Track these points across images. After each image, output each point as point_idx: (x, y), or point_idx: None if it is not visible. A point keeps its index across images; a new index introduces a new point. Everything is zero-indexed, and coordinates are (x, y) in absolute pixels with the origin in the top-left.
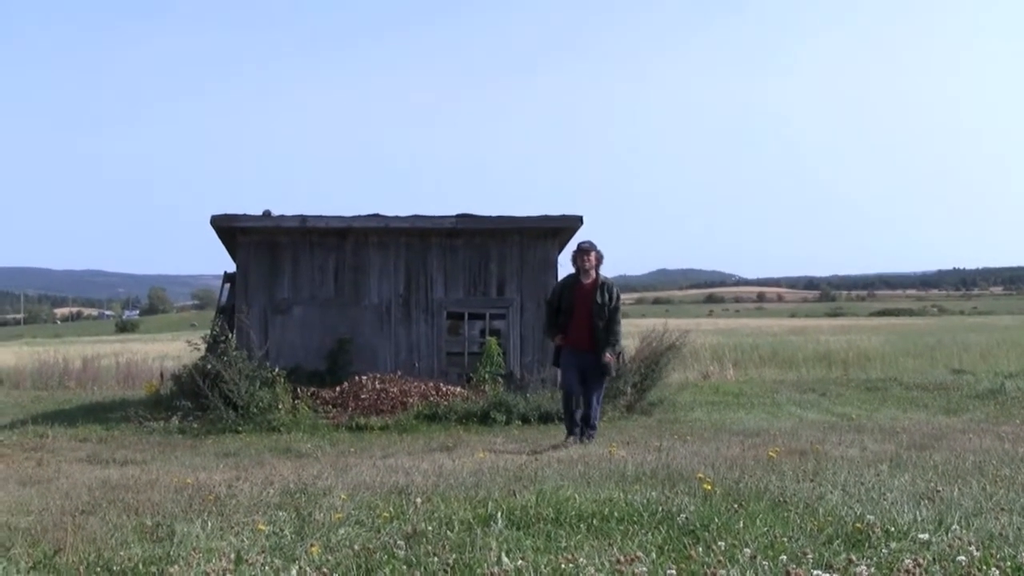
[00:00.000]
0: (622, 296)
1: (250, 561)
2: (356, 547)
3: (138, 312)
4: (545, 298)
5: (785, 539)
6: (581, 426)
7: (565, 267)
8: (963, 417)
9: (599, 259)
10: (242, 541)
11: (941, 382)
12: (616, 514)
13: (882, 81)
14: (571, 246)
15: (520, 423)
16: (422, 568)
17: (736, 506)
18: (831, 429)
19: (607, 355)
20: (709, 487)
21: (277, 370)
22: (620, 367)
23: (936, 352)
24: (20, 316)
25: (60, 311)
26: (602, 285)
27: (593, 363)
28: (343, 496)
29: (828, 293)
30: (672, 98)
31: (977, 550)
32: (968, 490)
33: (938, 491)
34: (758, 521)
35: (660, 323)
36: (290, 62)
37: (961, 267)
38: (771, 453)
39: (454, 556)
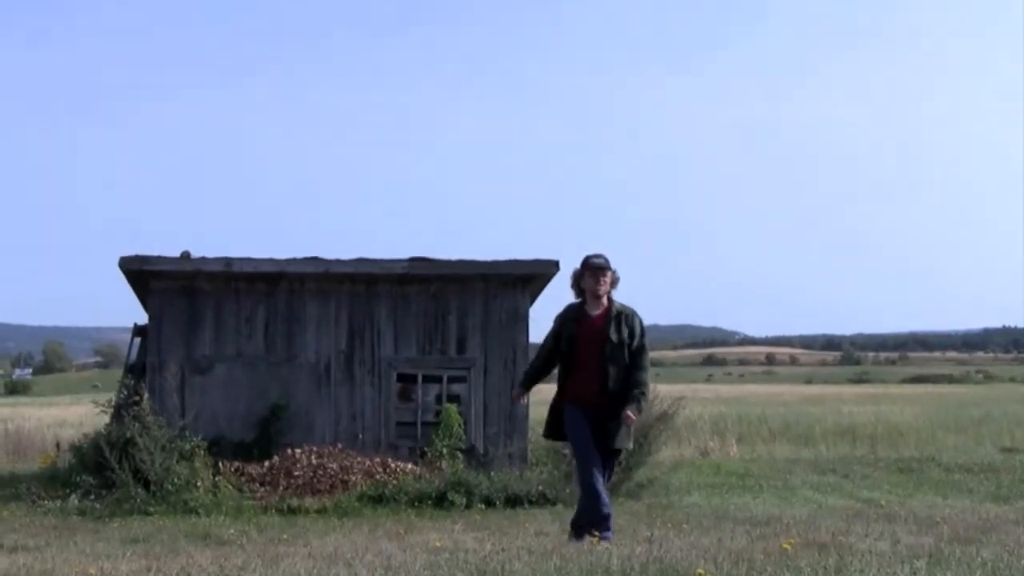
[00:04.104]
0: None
1: None
2: None
3: (31, 371)
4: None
5: None
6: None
7: (537, 322)
8: (1016, 505)
9: (614, 282)
10: None
11: (989, 463)
12: None
13: (918, 107)
14: (547, 296)
15: (483, 507)
16: None
17: None
18: (856, 517)
19: (629, 412)
20: None
21: (197, 440)
22: (631, 433)
23: (983, 427)
24: None
25: None
26: (618, 316)
27: (610, 430)
28: None
29: (851, 355)
30: (658, 122)
31: None
32: None
33: None
34: None
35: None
36: (209, 80)
37: (1012, 325)
38: (784, 545)
39: None
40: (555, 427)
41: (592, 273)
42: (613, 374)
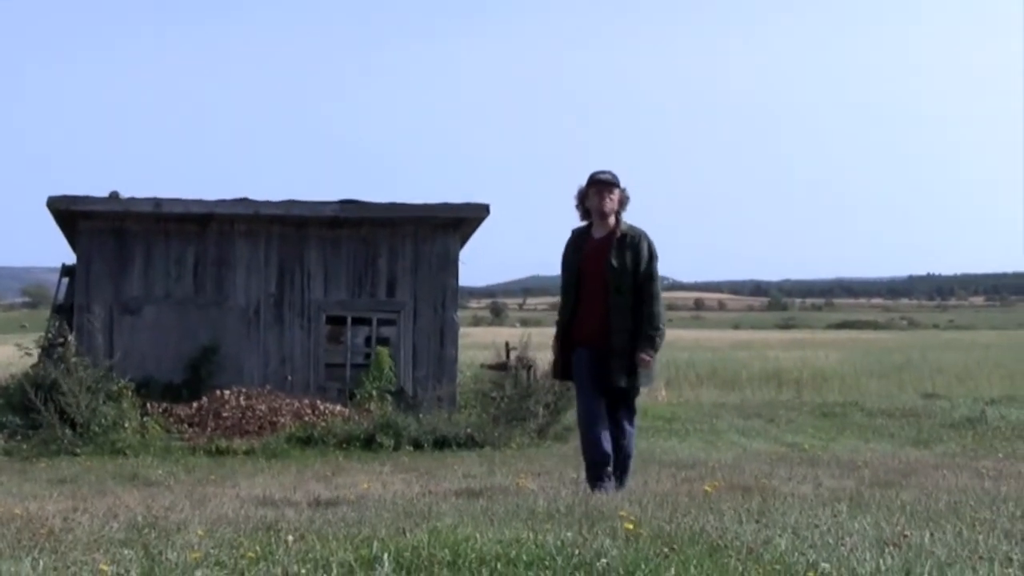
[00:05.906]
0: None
1: None
2: None
3: None
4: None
5: None
6: (613, 468)
7: (467, 265)
8: (936, 450)
9: (623, 201)
10: None
11: (910, 408)
12: (524, 557)
13: (837, 49)
14: (477, 239)
15: (411, 449)
16: None
17: (666, 550)
18: (780, 461)
19: (644, 355)
20: (633, 527)
21: (124, 382)
22: (654, 373)
23: (905, 373)
24: None
25: None
26: (622, 238)
27: (611, 368)
28: (200, 532)
29: (778, 301)
30: (585, 61)
31: None
32: (941, 536)
33: (906, 536)
34: (692, 568)
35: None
36: (141, 19)
37: (936, 273)
38: (708, 488)
39: None
40: (561, 366)
41: (597, 189)
42: (616, 305)
